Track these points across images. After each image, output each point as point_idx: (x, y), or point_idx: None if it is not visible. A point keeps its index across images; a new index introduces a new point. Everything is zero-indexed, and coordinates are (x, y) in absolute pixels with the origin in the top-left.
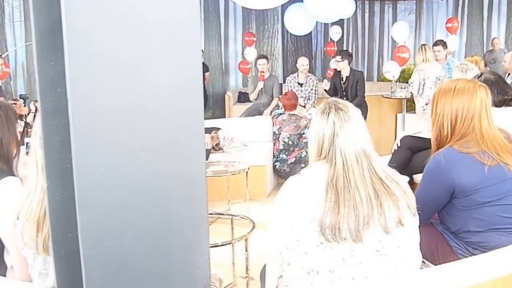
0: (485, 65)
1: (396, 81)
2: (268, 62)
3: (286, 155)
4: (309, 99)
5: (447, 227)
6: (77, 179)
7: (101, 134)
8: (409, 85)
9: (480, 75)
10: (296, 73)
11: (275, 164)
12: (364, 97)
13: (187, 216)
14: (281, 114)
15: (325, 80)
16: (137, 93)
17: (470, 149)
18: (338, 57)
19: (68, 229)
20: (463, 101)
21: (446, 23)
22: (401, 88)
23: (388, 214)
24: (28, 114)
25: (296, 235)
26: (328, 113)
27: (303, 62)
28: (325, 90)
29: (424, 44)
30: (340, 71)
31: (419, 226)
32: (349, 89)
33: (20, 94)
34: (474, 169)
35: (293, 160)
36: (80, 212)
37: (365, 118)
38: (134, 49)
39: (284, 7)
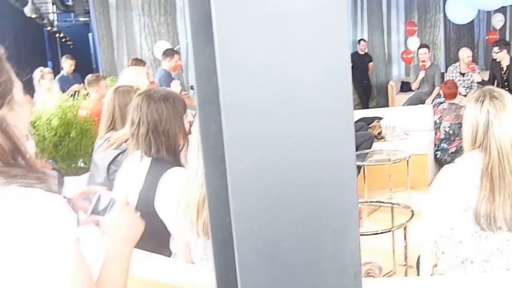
0: None
1: None
2: (429, 51)
3: (447, 144)
4: (471, 88)
5: None
6: (229, 166)
7: (251, 122)
8: None
9: None
10: (458, 63)
11: (436, 153)
12: None
13: (336, 202)
14: (441, 103)
15: (475, 74)
16: (284, 81)
17: None
18: (496, 48)
19: (225, 214)
20: None
21: None
22: None
23: None
24: None
25: (450, 223)
26: (483, 101)
27: (465, 54)
28: (478, 82)
29: None
30: (499, 62)
31: None
32: (510, 79)
33: (191, 85)
34: None
35: (454, 149)
36: (233, 197)
37: None
38: (280, 37)
39: None
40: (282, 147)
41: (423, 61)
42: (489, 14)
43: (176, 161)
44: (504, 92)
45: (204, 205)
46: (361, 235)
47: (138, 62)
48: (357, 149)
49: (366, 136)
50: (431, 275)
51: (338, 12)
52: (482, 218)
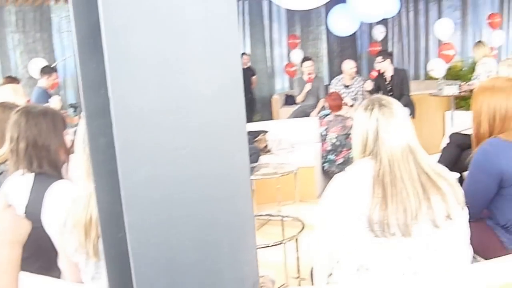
0: None
1: (443, 79)
2: (313, 64)
3: (334, 155)
4: (356, 99)
5: (497, 221)
6: (122, 179)
7: (144, 133)
8: (474, 78)
9: None
10: (342, 75)
11: (324, 165)
12: (409, 96)
13: (232, 212)
14: (327, 114)
15: (367, 81)
16: (178, 92)
17: None
18: (379, 58)
19: (118, 229)
20: (501, 99)
21: (488, 19)
22: (448, 85)
23: (436, 208)
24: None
25: (345, 232)
26: (372, 109)
27: (349, 65)
28: (367, 90)
29: (480, 41)
30: (383, 72)
31: (470, 221)
32: (394, 89)
33: (70, 104)
34: None
35: (341, 160)
36: (127, 211)
37: (412, 117)
38: (173, 48)
39: (327, 8)
40: (176, 158)
41: (309, 73)
42: (370, 26)
43: (60, 176)
44: (392, 100)
45: (92, 225)
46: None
47: (12, 80)
48: None
49: (252, 149)
50: (327, 283)
51: (230, 25)
52: (376, 225)
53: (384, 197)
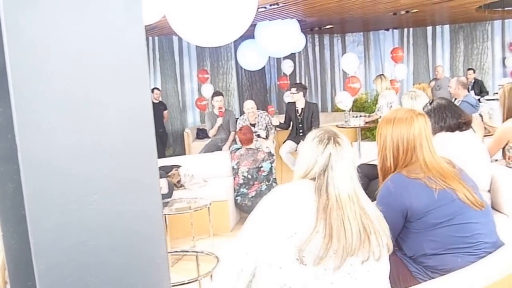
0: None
1: (349, 111)
2: (223, 98)
3: (246, 189)
4: (270, 129)
5: (404, 253)
6: (31, 226)
7: (53, 179)
8: (377, 110)
9: (432, 102)
10: (245, 115)
11: (237, 198)
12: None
13: (146, 256)
14: (238, 148)
15: (274, 117)
16: (87, 135)
17: (418, 175)
18: (293, 89)
19: (27, 277)
20: (402, 131)
21: (391, 53)
22: (354, 117)
23: (372, 251)
24: None
25: (274, 248)
26: (326, 144)
27: (248, 106)
28: (275, 126)
29: (381, 74)
30: (294, 103)
31: None
32: (304, 121)
33: None
34: (423, 192)
35: (254, 193)
36: (37, 260)
37: None
38: (81, 93)
39: (236, 43)
40: (87, 204)
41: (220, 108)
42: (279, 60)
43: None
44: (345, 139)
45: (1, 270)
46: None
47: None
48: None
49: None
50: None
51: (139, 65)
52: (310, 254)
53: (330, 230)
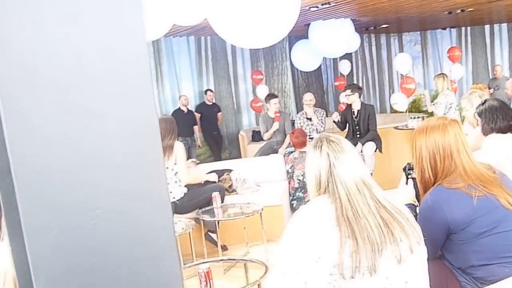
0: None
1: (406, 112)
2: (279, 101)
3: (302, 193)
4: (319, 132)
5: (451, 263)
6: (29, 243)
7: (50, 194)
8: (433, 104)
9: (484, 102)
10: (304, 110)
11: (292, 202)
12: (376, 131)
13: (156, 275)
14: (292, 152)
15: (335, 113)
16: (88, 147)
17: (458, 185)
18: (348, 91)
19: None
20: (437, 139)
21: (448, 52)
22: (412, 118)
23: (400, 243)
24: None
25: (303, 277)
26: (321, 146)
27: (306, 98)
28: (334, 122)
29: (442, 73)
30: (351, 105)
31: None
32: (361, 123)
33: None
34: (463, 202)
35: (309, 197)
36: (36, 279)
37: (380, 150)
38: (81, 101)
39: (291, 44)
40: (88, 220)
41: (276, 112)
42: (335, 60)
43: None
44: (339, 137)
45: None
46: None
47: None
48: (208, 204)
49: (215, 188)
50: None
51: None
52: (346, 269)
53: (352, 233)
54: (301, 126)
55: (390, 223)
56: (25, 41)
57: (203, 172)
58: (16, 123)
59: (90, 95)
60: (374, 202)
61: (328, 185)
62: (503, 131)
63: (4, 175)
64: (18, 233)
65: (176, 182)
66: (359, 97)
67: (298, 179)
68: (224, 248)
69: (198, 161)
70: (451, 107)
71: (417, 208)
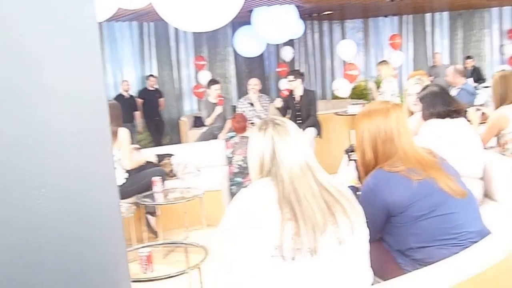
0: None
1: (348, 98)
2: (221, 87)
3: (241, 178)
4: (261, 118)
5: (390, 245)
6: None
7: None
8: (380, 94)
9: (425, 87)
10: (248, 95)
11: (231, 187)
12: (316, 116)
13: (103, 253)
14: (232, 137)
15: (277, 99)
16: (32, 124)
17: (398, 168)
18: (291, 77)
19: None
20: (379, 122)
21: (389, 40)
22: (353, 104)
23: (341, 224)
24: None
25: (244, 259)
26: (266, 129)
27: (251, 82)
28: (277, 108)
29: (384, 60)
30: (292, 91)
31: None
32: (303, 109)
33: None
34: (403, 185)
35: (248, 182)
36: None
37: (319, 136)
38: (26, 77)
39: (234, 29)
40: (35, 198)
41: (219, 96)
42: (278, 47)
43: None
44: (285, 119)
45: None
46: (153, 279)
47: None
48: (149, 189)
49: (156, 172)
50: None
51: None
52: (287, 251)
53: (294, 215)
54: (243, 112)
55: (332, 206)
56: None
57: (144, 158)
58: None
59: (39, 70)
60: (317, 185)
61: (271, 167)
62: (442, 116)
63: None
64: None
65: (117, 168)
66: (301, 83)
67: (237, 164)
68: (155, 234)
69: (139, 147)
70: (393, 93)
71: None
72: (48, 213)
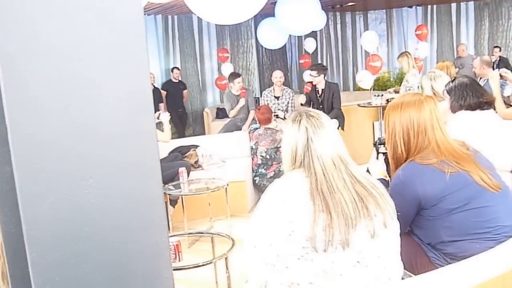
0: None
1: (371, 89)
2: (243, 80)
3: (265, 169)
4: (287, 111)
5: (421, 239)
6: (24, 211)
7: (46, 162)
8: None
9: (453, 79)
10: (272, 87)
11: (255, 179)
12: (340, 109)
13: (146, 243)
14: (257, 128)
15: (301, 95)
16: (83, 116)
17: (430, 161)
18: (314, 72)
19: (26, 264)
20: (412, 114)
21: (416, 30)
22: (376, 96)
23: (374, 217)
24: None
25: (275, 249)
26: (300, 121)
27: (277, 75)
28: (301, 104)
29: (406, 51)
30: (315, 85)
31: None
32: (325, 102)
33: None
34: (436, 178)
35: (272, 174)
36: (30, 247)
37: (342, 128)
38: (77, 70)
39: (256, 22)
40: (83, 188)
41: (242, 88)
42: (300, 38)
43: None
44: (319, 112)
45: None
46: (181, 269)
47: None
48: (173, 180)
49: (182, 165)
50: None
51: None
52: (319, 243)
53: (326, 207)
54: (267, 104)
55: (365, 198)
56: (24, 8)
57: (168, 148)
58: (15, 91)
59: (88, 64)
60: (349, 177)
61: (304, 159)
62: (472, 108)
63: (2, 143)
64: (7, 202)
65: None
66: (324, 77)
67: (261, 156)
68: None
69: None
70: (418, 86)
71: (389, 183)
72: (95, 203)
